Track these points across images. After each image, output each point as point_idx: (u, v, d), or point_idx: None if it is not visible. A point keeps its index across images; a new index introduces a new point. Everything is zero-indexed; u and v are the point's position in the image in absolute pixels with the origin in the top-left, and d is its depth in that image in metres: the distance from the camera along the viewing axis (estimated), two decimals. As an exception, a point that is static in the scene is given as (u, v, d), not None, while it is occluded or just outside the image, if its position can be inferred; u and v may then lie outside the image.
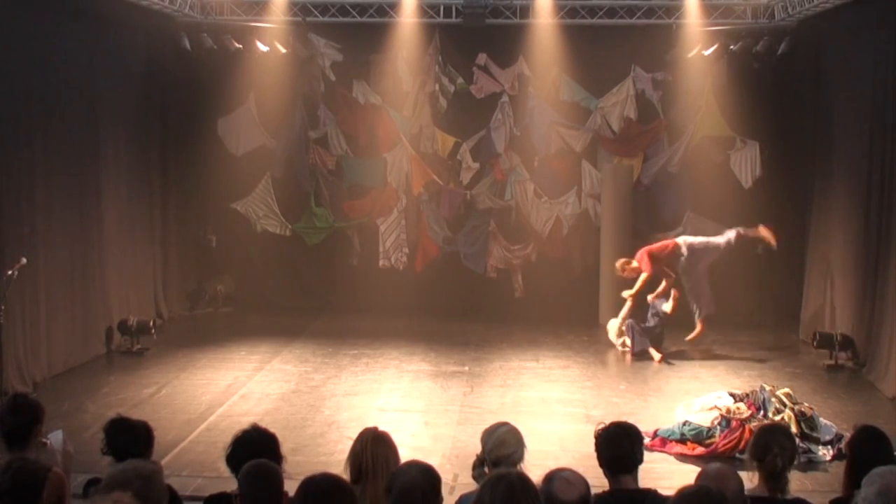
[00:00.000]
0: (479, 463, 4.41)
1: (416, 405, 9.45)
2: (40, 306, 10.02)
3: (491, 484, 3.31)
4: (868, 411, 9.08)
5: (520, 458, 4.31)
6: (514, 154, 14.15)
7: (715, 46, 12.94)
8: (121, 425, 4.61)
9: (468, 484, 5.51)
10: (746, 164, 13.70)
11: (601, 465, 4.23)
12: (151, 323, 11.73)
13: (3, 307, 8.60)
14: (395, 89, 14.07)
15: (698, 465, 6.82)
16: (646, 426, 8.02)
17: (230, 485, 4.17)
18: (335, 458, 7.32)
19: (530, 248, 14.22)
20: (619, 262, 11.74)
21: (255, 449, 4.18)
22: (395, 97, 14.10)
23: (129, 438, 4.51)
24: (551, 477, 3.58)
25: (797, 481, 7.05)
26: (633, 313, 11.62)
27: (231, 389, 9.90)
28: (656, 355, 11.32)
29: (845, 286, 11.21)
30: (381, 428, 4.41)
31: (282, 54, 13.57)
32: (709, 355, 11.55)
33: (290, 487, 3.71)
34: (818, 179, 12.33)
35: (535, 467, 4.14)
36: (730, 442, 7.89)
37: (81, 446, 6.25)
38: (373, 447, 4.11)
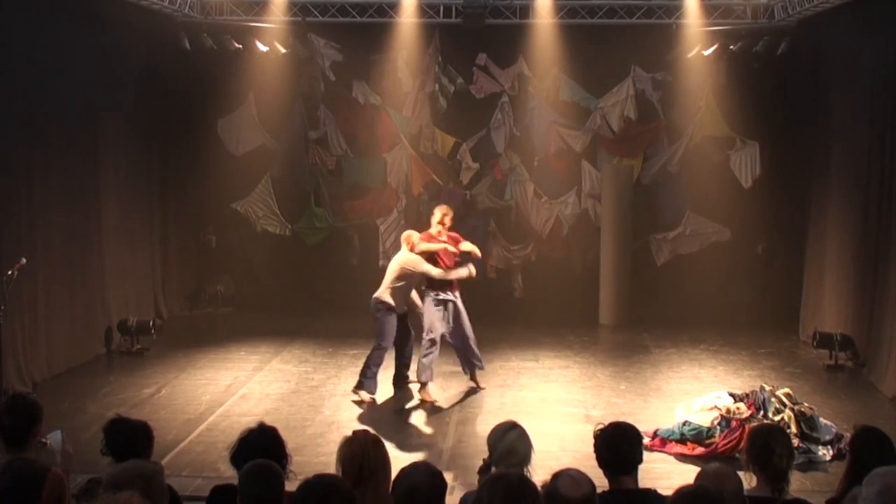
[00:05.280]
0: (486, 468, 4.38)
1: (416, 405, 9.43)
2: (40, 306, 10.02)
3: (490, 484, 3.33)
4: (868, 411, 9.07)
5: (527, 462, 4.30)
6: (514, 154, 14.16)
7: (715, 46, 12.95)
8: (120, 425, 4.61)
9: (468, 484, 5.52)
10: (746, 164, 13.72)
11: (601, 465, 4.22)
12: (151, 323, 11.73)
13: (3, 307, 8.59)
14: (394, 89, 14.08)
15: (698, 466, 6.81)
16: (646, 426, 8.02)
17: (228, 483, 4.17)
18: (335, 459, 7.31)
19: (530, 248, 14.22)
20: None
21: (261, 447, 4.18)
22: (394, 97, 14.11)
23: (129, 438, 4.50)
24: (558, 475, 3.59)
25: (797, 481, 7.05)
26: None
27: (231, 389, 9.90)
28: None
29: (845, 286, 11.21)
30: (383, 429, 4.40)
31: (282, 54, 13.57)
32: (709, 355, 11.55)
33: (293, 488, 3.70)
34: (817, 179, 12.33)
35: (535, 467, 4.14)
36: (730, 442, 7.88)
37: (81, 446, 6.24)
38: (374, 450, 4.10)
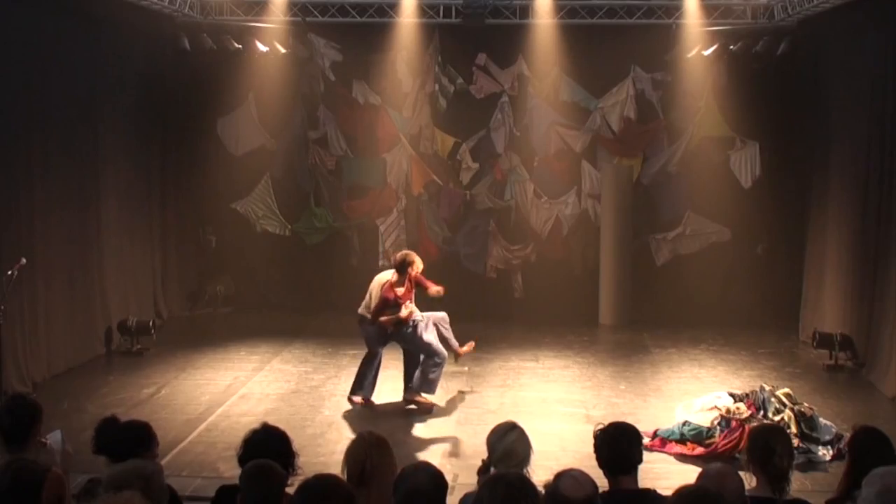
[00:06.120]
0: (485, 469, 4.37)
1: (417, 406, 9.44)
2: (40, 306, 10.02)
3: (490, 484, 3.33)
4: (868, 411, 9.08)
5: (527, 463, 4.30)
6: (513, 154, 14.15)
7: (715, 47, 12.94)
8: (109, 425, 4.60)
9: (468, 484, 5.51)
10: (746, 164, 13.71)
11: (600, 465, 4.22)
12: (151, 323, 11.73)
13: (3, 307, 8.59)
14: (394, 89, 14.07)
15: (698, 466, 6.81)
16: (646, 426, 8.02)
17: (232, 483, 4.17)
18: (335, 459, 7.29)
19: (530, 248, 14.21)
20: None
21: (268, 447, 4.19)
22: (394, 97, 14.10)
23: (117, 438, 4.49)
24: (560, 475, 3.59)
25: (797, 481, 7.03)
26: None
27: (231, 389, 9.90)
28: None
29: (845, 286, 11.21)
30: (383, 430, 4.40)
31: (281, 54, 13.57)
32: (709, 355, 11.55)
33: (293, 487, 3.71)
34: (817, 179, 12.34)
35: (535, 467, 4.14)
36: (730, 442, 7.88)
37: (80, 446, 6.23)
38: (377, 452, 4.10)
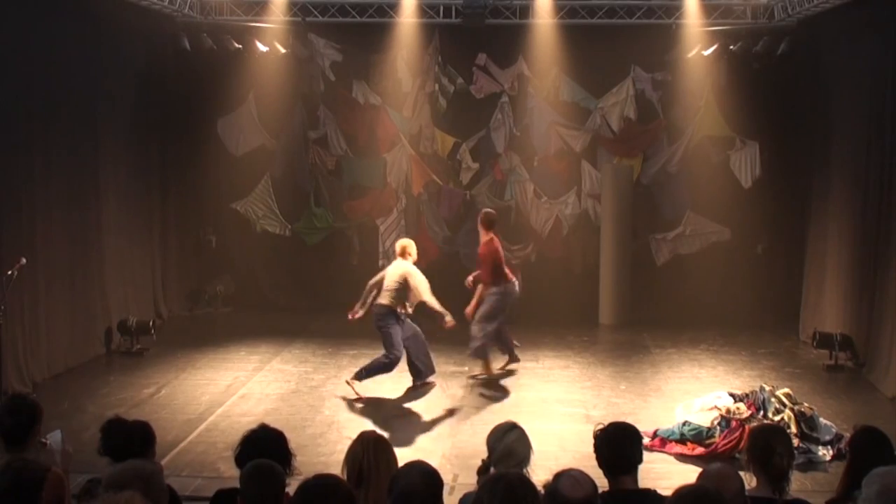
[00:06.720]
0: (485, 469, 4.37)
1: (417, 405, 9.45)
2: (40, 306, 10.02)
3: (490, 484, 3.32)
4: (868, 411, 9.07)
5: (527, 463, 4.30)
6: (513, 154, 14.16)
7: (715, 47, 12.95)
8: (117, 426, 4.60)
9: (468, 484, 5.52)
10: (746, 164, 13.72)
11: (600, 465, 4.22)
12: (151, 323, 11.73)
13: (3, 307, 8.59)
14: (394, 89, 14.08)
15: (698, 466, 6.83)
16: (646, 426, 8.02)
17: (230, 485, 4.17)
18: (335, 459, 7.30)
19: (530, 248, 14.22)
20: None
21: (265, 447, 4.19)
22: (394, 97, 14.11)
23: (126, 439, 4.50)
24: (560, 475, 3.59)
25: (797, 481, 7.04)
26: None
27: (231, 389, 9.90)
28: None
29: (845, 286, 11.21)
30: (383, 429, 4.40)
31: (281, 54, 13.58)
32: (709, 355, 11.55)
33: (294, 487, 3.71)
34: (817, 179, 12.34)
35: (535, 467, 4.14)
36: (729, 442, 7.88)
37: (81, 446, 6.23)
38: (375, 452, 4.10)
